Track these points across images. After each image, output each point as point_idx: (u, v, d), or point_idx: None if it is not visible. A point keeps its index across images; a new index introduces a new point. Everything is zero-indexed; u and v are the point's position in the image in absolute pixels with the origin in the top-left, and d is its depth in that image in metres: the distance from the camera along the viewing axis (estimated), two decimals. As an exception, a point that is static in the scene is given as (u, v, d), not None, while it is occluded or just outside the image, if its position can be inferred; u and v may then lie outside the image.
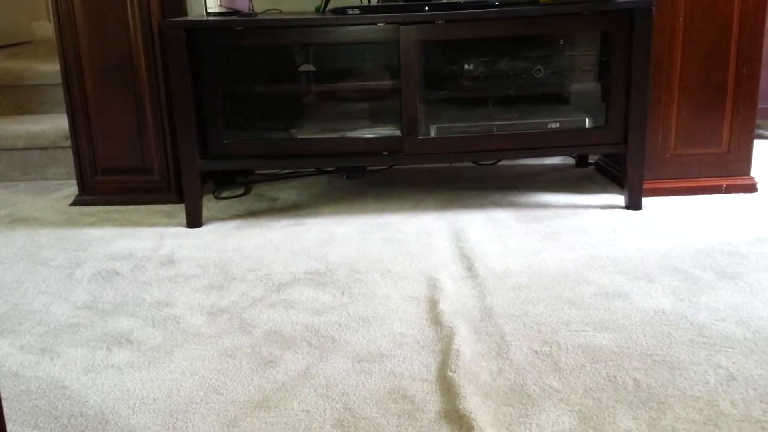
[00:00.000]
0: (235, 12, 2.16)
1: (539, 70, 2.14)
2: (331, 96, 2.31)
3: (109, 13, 2.26)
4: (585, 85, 2.20)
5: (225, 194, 2.46)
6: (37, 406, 1.25)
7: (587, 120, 2.13)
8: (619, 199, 2.24)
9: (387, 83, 2.16)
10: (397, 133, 2.12)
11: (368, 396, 1.25)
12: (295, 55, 2.25)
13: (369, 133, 2.16)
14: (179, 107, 2.05)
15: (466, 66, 2.15)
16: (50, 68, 2.83)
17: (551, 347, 1.38)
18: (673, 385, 1.24)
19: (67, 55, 2.31)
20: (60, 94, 2.63)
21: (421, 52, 2.05)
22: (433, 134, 2.12)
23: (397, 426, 1.16)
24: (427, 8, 2.03)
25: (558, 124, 2.12)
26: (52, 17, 2.31)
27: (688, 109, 2.21)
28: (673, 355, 1.33)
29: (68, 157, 2.56)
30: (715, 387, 1.23)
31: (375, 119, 2.25)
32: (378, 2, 2.28)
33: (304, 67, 2.27)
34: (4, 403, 1.24)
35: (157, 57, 2.28)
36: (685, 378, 1.26)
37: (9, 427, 1.20)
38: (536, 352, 1.36)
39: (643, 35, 2.01)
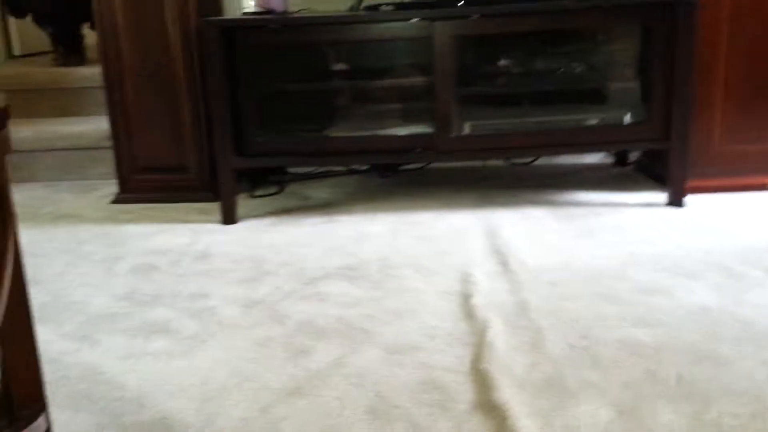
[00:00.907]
0: (270, 11, 2.18)
1: (577, 65, 2.11)
2: (364, 94, 2.31)
3: (148, 17, 2.31)
4: (625, 80, 2.16)
5: (259, 193, 2.48)
6: (76, 390, 1.28)
7: (627, 115, 2.09)
8: (660, 197, 2.19)
9: (420, 80, 2.15)
10: (431, 130, 2.11)
11: (400, 386, 1.23)
12: (329, 53, 2.26)
13: (402, 131, 2.16)
14: (215, 105, 2.07)
15: (501, 62, 2.13)
16: (91, 72, 2.90)
17: (588, 341, 1.35)
18: (718, 380, 1.20)
19: (108, 59, 2.36)
20: (100, 96, 2.69)
21: (455, 48, 2.04)
22: (467, 131, 2.11)
23: (429, 415, 1.15)
24: (461, 3, 2.02)
25: (597, 120, 2.08)
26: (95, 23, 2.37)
27: (732, 104, 2.15)
28: (718, 351, 1.29)
29: (109, 157, 2.61)
30: (761, 382, 1.18)
31: (408, 117, 2.25)
32: None
33: (338, 66, 2.28)
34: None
35: (194, 58, 2.32)
36: (730, 373, 1.21)
37: (49, 409, 1.22)
38: (573, 346, 1.33)
39: (687, 28, 1.96)
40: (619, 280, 1.61)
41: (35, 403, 0.76)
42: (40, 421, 0.75)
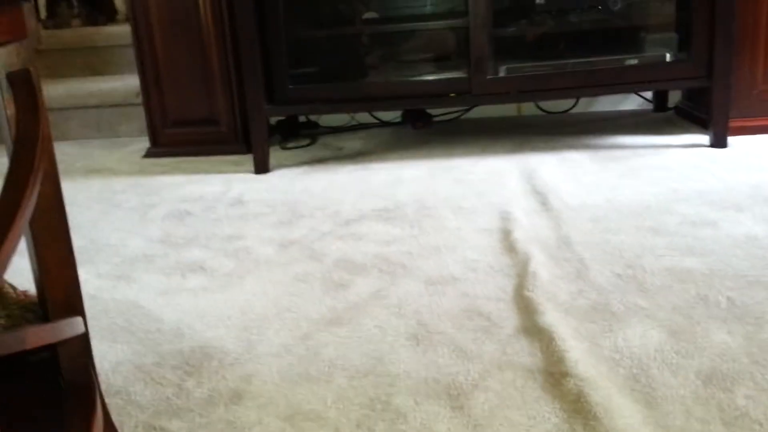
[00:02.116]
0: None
1: (615, 1, 2.03)
2: (396, 38, 2.26)
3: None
4: (665, 17, 2.08)
5: (291, 144, 2.46)
6: (114, 323, 1.28)
7: (668, 54, 2.01)
8: (703, 139, 2.11)
9: (454, 22, 2.09)
10: (465, 74, 2.05)
11: (442, 314, 1.21)
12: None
13: (436, 75, 2.11)
14: (246, 52, 2.05)
15: (538, 0, 2.06)
16: (119, 30, 2.90)
17: (635, 270, 1.31)
18: (772, 303, 1.15)
19: (136, 13, 2.34)
20: (129, 54, 2.68)
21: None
22: (502, 74, 2.05)
23: (473, 340, 1.12)
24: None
25: (636, 59, 2.01)
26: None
27: (778, 41, 2.06)
28: (771, 277, 1.24)
29: (140, 114, 2.61)
30: (820, 305, 1.13)
31: (442, 61, 2.20)
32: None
33: (368, 14, 2.23)
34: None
35: (223, 9, 2.29)
36: (785, 297, 1.17)
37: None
38: (619, 275, 1.29)
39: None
40: (665, 214, 1.56)
41: (71, 308, 0.74)
42: (77, 322, 0.74)
